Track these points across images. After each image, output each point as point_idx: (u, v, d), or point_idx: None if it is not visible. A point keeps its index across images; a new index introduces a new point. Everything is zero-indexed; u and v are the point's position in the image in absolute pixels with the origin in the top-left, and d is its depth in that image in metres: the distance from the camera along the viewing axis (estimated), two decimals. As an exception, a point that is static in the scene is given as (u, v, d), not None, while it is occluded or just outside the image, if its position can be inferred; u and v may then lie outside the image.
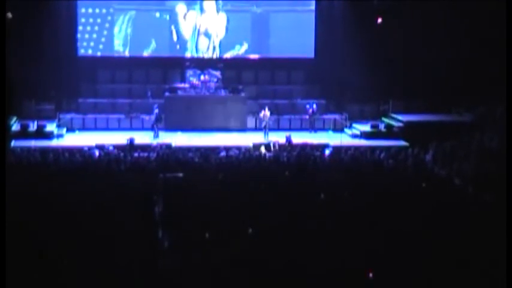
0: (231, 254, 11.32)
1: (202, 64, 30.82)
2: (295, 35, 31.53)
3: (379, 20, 30.62)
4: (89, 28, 31.18)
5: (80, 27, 31.08)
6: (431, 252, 11.60)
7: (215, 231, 12.55)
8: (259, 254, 11.36)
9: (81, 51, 31.21)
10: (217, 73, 30.36)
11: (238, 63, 31.76)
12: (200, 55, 31.49)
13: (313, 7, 31.88)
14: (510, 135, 20.30)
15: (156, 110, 28.05)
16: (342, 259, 11.15)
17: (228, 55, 31.61)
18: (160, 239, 12.72)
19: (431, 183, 18.16)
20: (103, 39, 31.33)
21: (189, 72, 30.53)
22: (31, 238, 11.60)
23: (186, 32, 31.50)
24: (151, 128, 28.06)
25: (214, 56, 31.52)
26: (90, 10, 31.20)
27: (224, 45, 31.58)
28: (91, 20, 31.18)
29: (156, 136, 27.52)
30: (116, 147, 24.68)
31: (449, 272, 10.85)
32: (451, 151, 22.84)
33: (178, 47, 31.52)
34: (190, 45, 31.59)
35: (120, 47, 31.37)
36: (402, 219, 13.63)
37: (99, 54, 31.37)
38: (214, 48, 31.59)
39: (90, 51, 31.30)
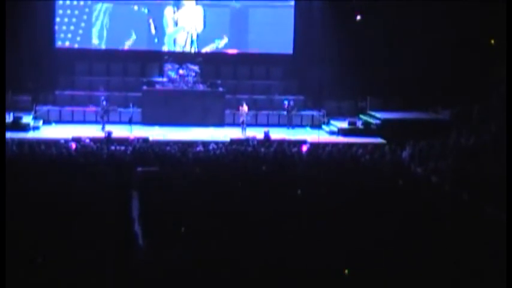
0: (207, 250, 11.29)
1: (180, 58, 30.63)
2: (274, 31, 31.45)
3: (358, 18, 30.66)
4: (66, 20, 30.91)
5: (58, 19, 30.82)
6: (407, 248, 11.65)
7: (191, 226, 12.50)
8: (235, 250, 11.33)
9: (59, 43, 30.96)
10: (196, 67, 30.16)
11: (217, 58, 31.62)
12: (178, 49, 31.37)
13: (292, 3, 31.82)
14: (510, 134, 20.44)
15: (104, 103, 27.89)
16: (318, 255, 11.15)
17: (207, 49, 31.49)
18: (136, 234, 12.64)
19: (408, 180, 18.24)
20: (80, 31, 31.06)
21: (167, 66, 30.30)
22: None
23: (165, 25, 31.36)
24: (97, 121, 27.88)
25: (192, 50, 31.39)
26: (68, 2, 30.95)
27: (202, 39, 31.46)
28: (69, 12, 30.92)
29: (103, 129, 27.07)
30: (92, 140, 24.54)
31: (424, 268, 10.90)
32: (428, 149, 22.94)
33: (156, 40, 31.37)
34: (168, 39, 31.46)
35: (96, 39, 31.18)
36: (379, 216, 13.67)
37: (76, 46, 31.14)
38: (192, 42, 31.47)
39: (67, 43, 31.06)
